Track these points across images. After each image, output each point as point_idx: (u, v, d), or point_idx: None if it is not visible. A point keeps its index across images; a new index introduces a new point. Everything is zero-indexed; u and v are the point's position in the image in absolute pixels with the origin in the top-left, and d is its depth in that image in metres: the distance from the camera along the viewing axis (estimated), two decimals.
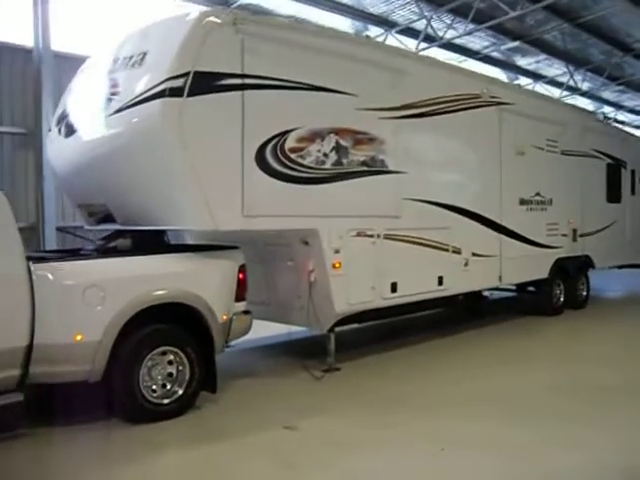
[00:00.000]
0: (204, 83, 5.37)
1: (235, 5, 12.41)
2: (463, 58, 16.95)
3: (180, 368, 5.39)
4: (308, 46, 6.24)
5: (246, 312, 6.13)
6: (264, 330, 7.55)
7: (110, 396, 5.16)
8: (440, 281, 7.81)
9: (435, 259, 7.73)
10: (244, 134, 5.64)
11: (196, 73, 5.30)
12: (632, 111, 25.51)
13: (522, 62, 18.45)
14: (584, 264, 11.29)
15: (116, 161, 5.64)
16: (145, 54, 5.65)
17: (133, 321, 5.04)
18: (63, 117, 6.54)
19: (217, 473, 4.33)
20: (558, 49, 17.25)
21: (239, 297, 5.99)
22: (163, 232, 6.35)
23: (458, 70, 8.73)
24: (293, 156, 6.04)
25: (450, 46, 15.91)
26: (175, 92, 5.21)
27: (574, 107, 12.99)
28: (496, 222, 8.87)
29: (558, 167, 10.34)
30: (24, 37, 9.98)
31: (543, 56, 17.50)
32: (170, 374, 5.37)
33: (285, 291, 6.90)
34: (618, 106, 24.51)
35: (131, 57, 5.80)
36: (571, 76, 18.77)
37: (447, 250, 7.91)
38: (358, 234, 6.74)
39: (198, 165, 5.34)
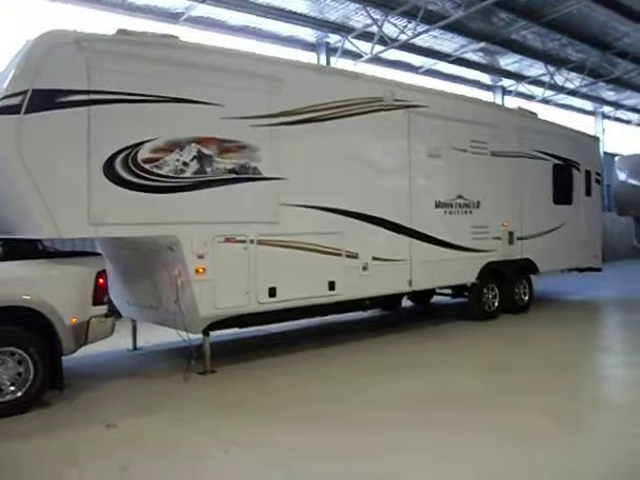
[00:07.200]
0: (44, 100, 5.70)
1: (184, 17, 12.86)
2: (434, 61, 16.99)
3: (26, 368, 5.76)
4: (165, 60, 6.48)
5: (107, 315, 6.45)
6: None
7: None
8: (332, 286, 7.94)
9: (324, 264, 7.84)
10: (90, 147, 5.94)
11: (35, 91, 5.65)
12: (633, 109, 24.80)
13: (502, 63, 18.31)
14: (524, 268, 11.16)
15: None
16: (5, 73, 6.06)
17: None
18: None
19: None
20: (535, 49, 17.08)
21: (97, 301, 6.30)
22: (38, 240, 6.71)
23: (352, 75, 8.79)
24: (147, 166, 6.31)
25: (416, 49, 15.96)
26: (12, 110, 5.57)
27: (507, 108, 12.81)
28: (404, 226, 8.90)
29: (487, 169, 10.29)
30: None
31: (520, 57, 17.33)
32: (19, 373, 5.75)
33: (165, 295, 7.17)
34: (617, 105, 23.89)
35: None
36: (551, 76, 18.49)
37: (339, 255, 8.02)
38: (227, 240, 6.96)
39: (37, 177, 5.64)
